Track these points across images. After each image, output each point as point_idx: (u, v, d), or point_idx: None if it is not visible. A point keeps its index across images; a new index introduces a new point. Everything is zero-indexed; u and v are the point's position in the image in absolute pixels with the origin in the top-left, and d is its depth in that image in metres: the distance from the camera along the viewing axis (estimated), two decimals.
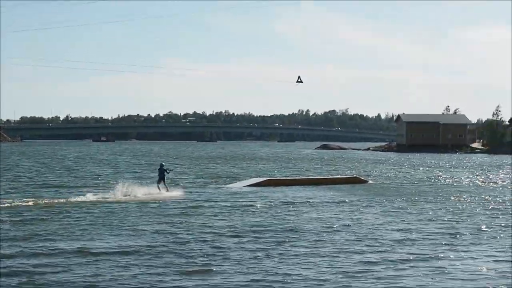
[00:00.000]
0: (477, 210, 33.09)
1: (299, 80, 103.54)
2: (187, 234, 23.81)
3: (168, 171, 41.37)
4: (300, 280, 16.85)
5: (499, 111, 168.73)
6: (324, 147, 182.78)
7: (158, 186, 40.40)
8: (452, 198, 39.32)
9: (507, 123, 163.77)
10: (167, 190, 40.19)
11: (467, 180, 56.91)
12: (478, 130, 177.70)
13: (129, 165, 78.17)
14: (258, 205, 33.59)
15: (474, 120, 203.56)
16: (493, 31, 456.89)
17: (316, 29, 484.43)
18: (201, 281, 16.73)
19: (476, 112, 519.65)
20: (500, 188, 47.71)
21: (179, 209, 31.62)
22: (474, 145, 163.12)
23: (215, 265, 18.44)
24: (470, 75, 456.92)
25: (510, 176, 62.82)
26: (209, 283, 16.51)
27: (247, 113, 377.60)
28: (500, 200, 38.36)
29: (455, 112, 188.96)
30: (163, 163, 43.00)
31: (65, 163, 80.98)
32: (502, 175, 65.40)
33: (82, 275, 17.14)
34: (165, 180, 40.85)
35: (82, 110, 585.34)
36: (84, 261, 18.81)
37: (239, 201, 35.62)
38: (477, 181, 55.75)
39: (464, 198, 39.15)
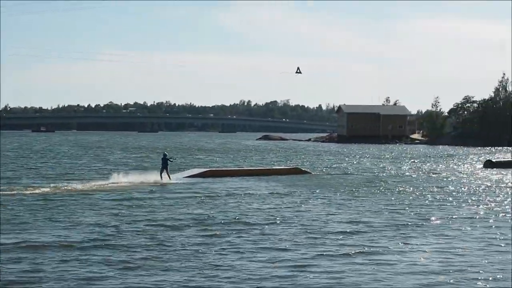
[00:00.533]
0: (421, 201, 33.24)
1: (298, 70, 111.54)
2: (128, 226, 23.41)
3: (171, 160, 44.42)
4: (243, 273, 16.63)
5: (438, 102, 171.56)
6: (266, 137, 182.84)
7: (161, 175, 42.53)
8: (396, 189, 39.48)
9: (446, 114, 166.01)
10: (170, 178, 42.38)
11: (410, 170, 57.36)
12: (418, 121, 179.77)
13: (68, 155, 76.99)
14: (200, 197, 33.31)
15: (414, 111, 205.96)
16: (432, 23, 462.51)
17: (256, 19, 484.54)
18: (143, 276, 16.37)
19: (416, 103, 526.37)
20: (445, 179, 48.13)
21: (119, 201, 31.12)
22: (414, 136, 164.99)
23: (157, 259, 18.11)
24: (410, 67, 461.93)
25: (451, 167, 63.59)
26: (151, 278, 16.18)
27: (189, 103, 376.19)
28: (443, 191, 38.67)
29: (395, 104, 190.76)
30: (166, 153, 45.21)
31: (5, 153, 79.37)
32: (443, 165, 66.16)
33: (18, 270, 16.64)
34: (168, 169, 42.92)
35: (21, 100, 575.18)
36: (22, 256, 18.28)
37: (180, 192, 35.28)
38: (420, 172, 56.23)
39: (408, 189, 39.33)
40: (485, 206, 31.56)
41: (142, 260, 17.91)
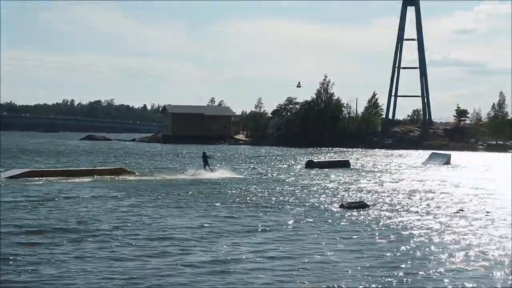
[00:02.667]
0: (252, 203, 33.23)
1: (299, 85, 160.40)
2: None
3: (210, 157, 54.73)
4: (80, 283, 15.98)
5: (262, 103, 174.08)
6: (89, 137, 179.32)
7: (204, 168, 52.25)
8: (226, 191, 39.35)
9: (269, 115, 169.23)
10: (212, 171, 51.92)
11: (239, 172, 57.33)
12: (242, 122, 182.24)
13: None
14: (18, 200, 31.83)
15: (238, 112, 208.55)
16: (256, 25, 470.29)
17: (79, 18, 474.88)
18: None
19: (240, 104, 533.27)
20: (271, 180, 48.64)
21: None
22: (238, 136, 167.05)
23: None
24: (235, 68, 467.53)
25: (276, 167, 64.56)
26: None
27: (9, 102, 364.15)
28: (270, 192, 38.96)
29: (220, 104, 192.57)
30: (205, 151, 55.75)
31: None
32: (269, 166, 67.03)
33: None
34: (209, 164, 52.95)
35: None
36: None
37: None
38: (248, 172, 56.56)
39: (237, 191, 39.29)
40: (309, 206, 32.09)
41: None
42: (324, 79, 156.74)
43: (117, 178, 46.05)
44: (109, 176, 46.86)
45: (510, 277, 17.39)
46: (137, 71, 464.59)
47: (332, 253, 20.03)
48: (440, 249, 21.02)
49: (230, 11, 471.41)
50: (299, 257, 19.46)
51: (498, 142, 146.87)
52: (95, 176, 46.55)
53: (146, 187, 40.12)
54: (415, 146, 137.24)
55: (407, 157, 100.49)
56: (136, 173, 50.82)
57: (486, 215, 29.59)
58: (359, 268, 18.13)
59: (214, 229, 24.24)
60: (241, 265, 18.20)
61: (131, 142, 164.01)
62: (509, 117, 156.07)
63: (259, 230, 24.44)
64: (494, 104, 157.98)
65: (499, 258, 19.74)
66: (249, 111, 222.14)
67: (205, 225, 25.26)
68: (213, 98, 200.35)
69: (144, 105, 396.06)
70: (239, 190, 39.52)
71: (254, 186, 43.10)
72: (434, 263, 19.00)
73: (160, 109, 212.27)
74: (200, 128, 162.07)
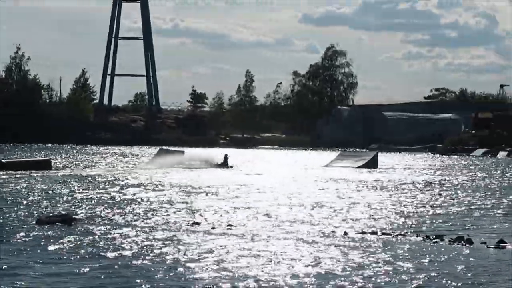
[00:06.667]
0: None
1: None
2: None
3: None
4: None
5: None
6: None
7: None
8: None
9: None
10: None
11: None
12: None
13: None
14: None
15: None
16: None
17: None
18: None
19: None
20: None
21: None
22: None
23: None
24: None
25: None
26: None
27: None
28: None
29: None
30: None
31: None
32: None
33: None
34: None
35: None
36: None
37: None
38: None
39: None
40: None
41: None
42: (16, 53, 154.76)
43: None
44: None
45: None
46: None
47: (27, 280, 20.28)
48: (158, 269, 21.96)
49: None
50: None
51: (245, 135, 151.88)
52: None
53: None
54: (139, 141, 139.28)
55: (129, 155, 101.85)
56: None
57: (227, 228, 30.94)
58: None
59: None
60: None
61: None
62: (258, 103, 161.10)
63: None
64: (240, 87, 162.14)
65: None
66: None
67: None
68: None
69: None
70: None
71: None
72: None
73: None
74: None
